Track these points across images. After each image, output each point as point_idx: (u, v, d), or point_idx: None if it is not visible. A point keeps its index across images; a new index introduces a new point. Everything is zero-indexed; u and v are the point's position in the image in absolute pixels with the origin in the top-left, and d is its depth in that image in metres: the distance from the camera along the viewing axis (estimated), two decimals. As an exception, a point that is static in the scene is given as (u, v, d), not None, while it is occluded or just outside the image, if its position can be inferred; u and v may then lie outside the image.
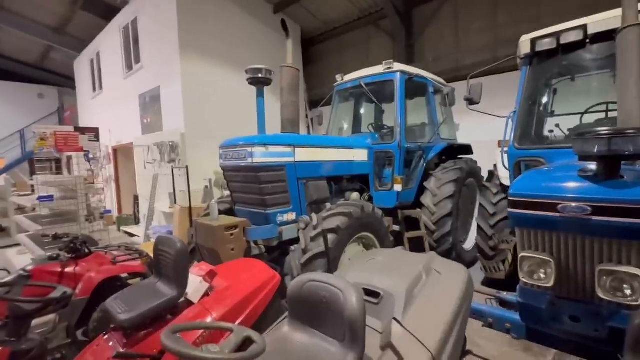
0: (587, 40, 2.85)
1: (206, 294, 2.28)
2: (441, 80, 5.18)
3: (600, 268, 1.65)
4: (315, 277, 1.41)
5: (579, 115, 3.41)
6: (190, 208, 4.40)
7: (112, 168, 10.23)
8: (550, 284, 1.80)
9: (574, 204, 1.67)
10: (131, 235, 8.05)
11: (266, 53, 7.89)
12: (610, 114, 3.22)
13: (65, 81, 15.56)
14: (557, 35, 2.97)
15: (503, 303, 2.53)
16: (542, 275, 1.83)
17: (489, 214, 4.01)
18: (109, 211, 10.21)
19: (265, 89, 3.36)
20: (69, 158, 14.41)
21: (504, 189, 3.97)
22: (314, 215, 2.99)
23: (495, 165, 4.37)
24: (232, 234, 3.05)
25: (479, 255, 4.22)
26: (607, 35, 2.74)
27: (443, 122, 4.90)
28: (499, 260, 3.96)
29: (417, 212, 4.61)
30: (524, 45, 3.19)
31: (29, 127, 14.77)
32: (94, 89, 11.06)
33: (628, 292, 1.58)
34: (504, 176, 3.89)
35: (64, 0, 9.69)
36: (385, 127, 5.40)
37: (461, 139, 5.67)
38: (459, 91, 5.02)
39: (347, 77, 5.15)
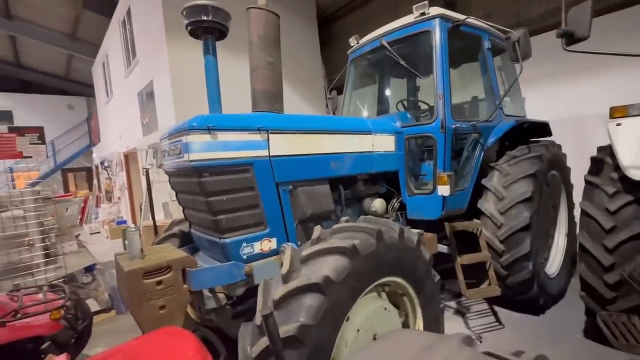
0: None
1: None
2: (501, 28, 3.57)
3: None
4: None
5: None
6: (155, 226, 3.28)
7: (124, 176, 9.64)
8: None
9: None
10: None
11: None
12: None
13: (91, 90, 15.68)
14: None
15: None
16: None
17: (603, 230, 2.41)
18: (124, 221, 9.67)
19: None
20: (97, 167, 14.40)
21: (629, 185, 2.37)
22: (288, 250, 1.64)
23: (604, 148, 2.75)
24: (159, 282, 1.81)
25: (584, 295, 2.63)
26: None
27: (511, 86, 3.26)
28: (622, 307, 2.36)
29: (475, 225, 3.09)
30: None
31: (59, 138, 15.01)
32: (107, 94, 10.59)
33: None
34: (633, 165, 2.29)
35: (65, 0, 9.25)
36: (422, 103, 3.90)
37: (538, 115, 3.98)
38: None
39: (365, 39, 3.74)
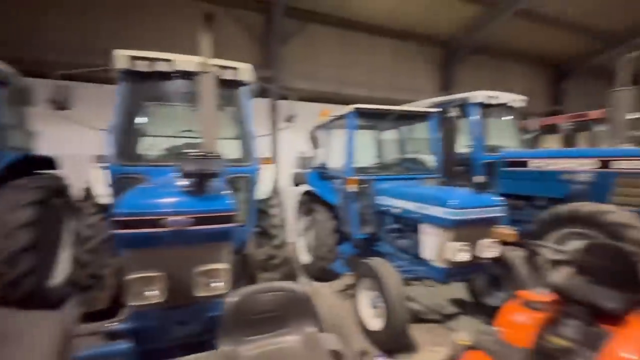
0: (173, 74, 3.26)
1: None
2: (8, 68, 3.84)
3: (196, 270, 1.90)
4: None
5: (173, 136, 3.83)
6: None
7: None
8: (163, 299, 1.82)
9: (178, 218, 1.81)
10: None
11: None
12: (197, 140, 3.87)
13: None
14: (150, 60, 3.16)
15: (114, 335, 2.25)
16: (154, 293, 1.81)
17: (84, 239, 3.48)
18: None
19: None
20: None
21: (102, 208, 3.64)
22: None
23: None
24: None
25: (74, 289, 3.56)
26: (187, 74, 3.31)
27: (19, 125, 3.61)
28: (100, 288, 3.55)
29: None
30: (121, 60, 3.10)
31: None
32: None
33: (219, 284, 1.94)
34: (101, 194, 3.58)
35: None
36: None
37: (46, 151, 4.51)
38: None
39: None
